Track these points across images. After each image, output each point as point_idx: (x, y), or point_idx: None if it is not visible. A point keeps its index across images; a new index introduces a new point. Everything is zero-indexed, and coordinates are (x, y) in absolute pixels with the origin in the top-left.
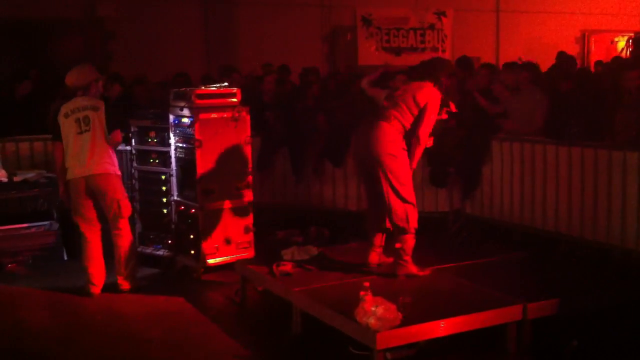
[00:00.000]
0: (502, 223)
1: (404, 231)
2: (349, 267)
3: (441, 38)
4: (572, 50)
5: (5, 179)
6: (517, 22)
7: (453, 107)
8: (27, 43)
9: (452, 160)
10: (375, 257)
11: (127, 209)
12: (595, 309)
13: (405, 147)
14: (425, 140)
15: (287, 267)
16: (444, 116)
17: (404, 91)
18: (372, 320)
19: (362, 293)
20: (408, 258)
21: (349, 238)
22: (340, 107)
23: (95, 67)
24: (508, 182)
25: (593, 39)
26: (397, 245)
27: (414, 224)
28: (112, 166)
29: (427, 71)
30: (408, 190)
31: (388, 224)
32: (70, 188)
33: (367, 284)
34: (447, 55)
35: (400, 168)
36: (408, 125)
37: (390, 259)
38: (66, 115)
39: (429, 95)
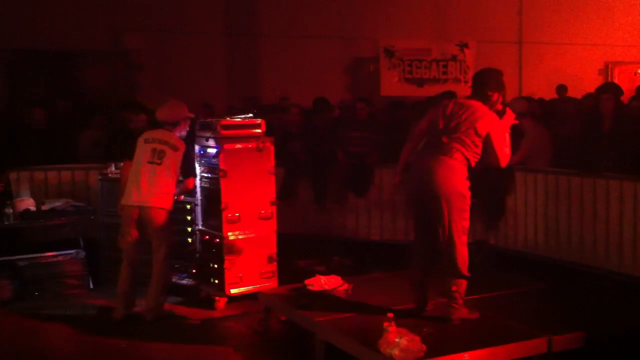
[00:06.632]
0: (527, 254)
1: (460, 274)
2: (372, 297)
3: (463, 69)
4: (596, 81)
5: (33, 208)
6: (539, 53)
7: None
8: (56, 73)
9: (475, 190)
10: (418, 298)
11: (171, 245)
12: (622, 340)
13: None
14: (508, 158)
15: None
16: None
17: (462, 121)
18: (396, 352)
19: (385, 324)
20: (462, 302)
21: (371, 268)
22: (358, 137)
23: (185, 105)
24: (532, 214)
25: (617, 71)
26: (454, 288)
27: (467, 267)
28: (168, 203)
29: (475, 87)
30: (466, 233)
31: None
32: (123, 213)
33: (390, 314)
34: (468, 87)
35: (467, 209)
36: (472, 158)
37: (432, 301)
38: (146, 141)
39: (487, 122)
